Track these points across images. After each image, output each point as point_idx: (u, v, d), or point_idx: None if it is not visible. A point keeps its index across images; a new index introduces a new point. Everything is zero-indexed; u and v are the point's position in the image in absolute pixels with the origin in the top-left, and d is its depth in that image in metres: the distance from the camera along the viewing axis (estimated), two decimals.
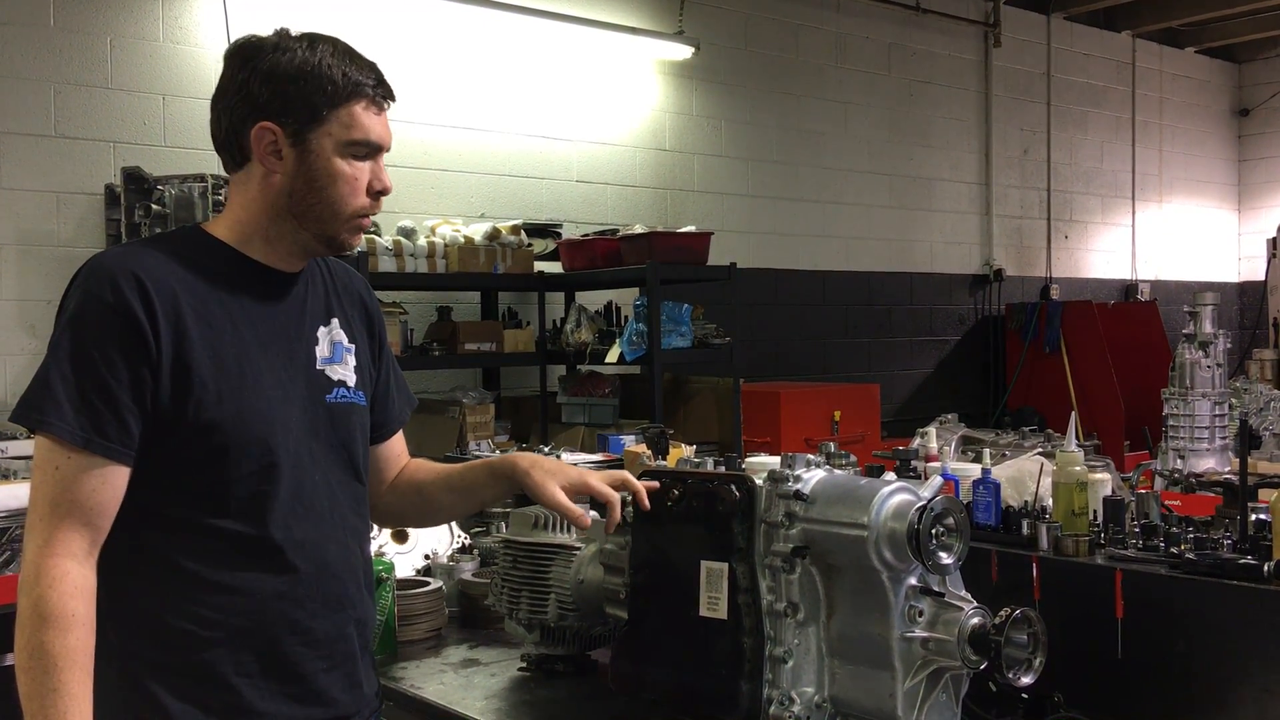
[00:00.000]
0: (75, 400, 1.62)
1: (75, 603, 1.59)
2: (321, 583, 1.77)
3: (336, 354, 1.87)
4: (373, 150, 1.80)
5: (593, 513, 2.46)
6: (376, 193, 1.82)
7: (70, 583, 1.59)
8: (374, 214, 1.85)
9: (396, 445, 2.11)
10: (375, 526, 3.12)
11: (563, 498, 1.96)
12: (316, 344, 1.85)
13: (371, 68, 1.81)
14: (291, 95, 1.73)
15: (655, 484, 2.02)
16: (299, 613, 1.75)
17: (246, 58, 1.76)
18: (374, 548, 3.07)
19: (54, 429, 1.61)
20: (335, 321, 1.89)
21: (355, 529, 1.88)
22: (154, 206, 4.74)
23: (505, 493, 2.13)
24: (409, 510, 2.17)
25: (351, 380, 1.88)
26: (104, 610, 1.64)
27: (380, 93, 1.80)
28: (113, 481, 1.64)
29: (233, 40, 1.81)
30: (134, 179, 4.83)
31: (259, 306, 1.79)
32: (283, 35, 1.78)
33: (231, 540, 1.70)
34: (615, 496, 1.99)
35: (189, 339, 1.68)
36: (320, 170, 1.76)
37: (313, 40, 1.78)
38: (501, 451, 3.86)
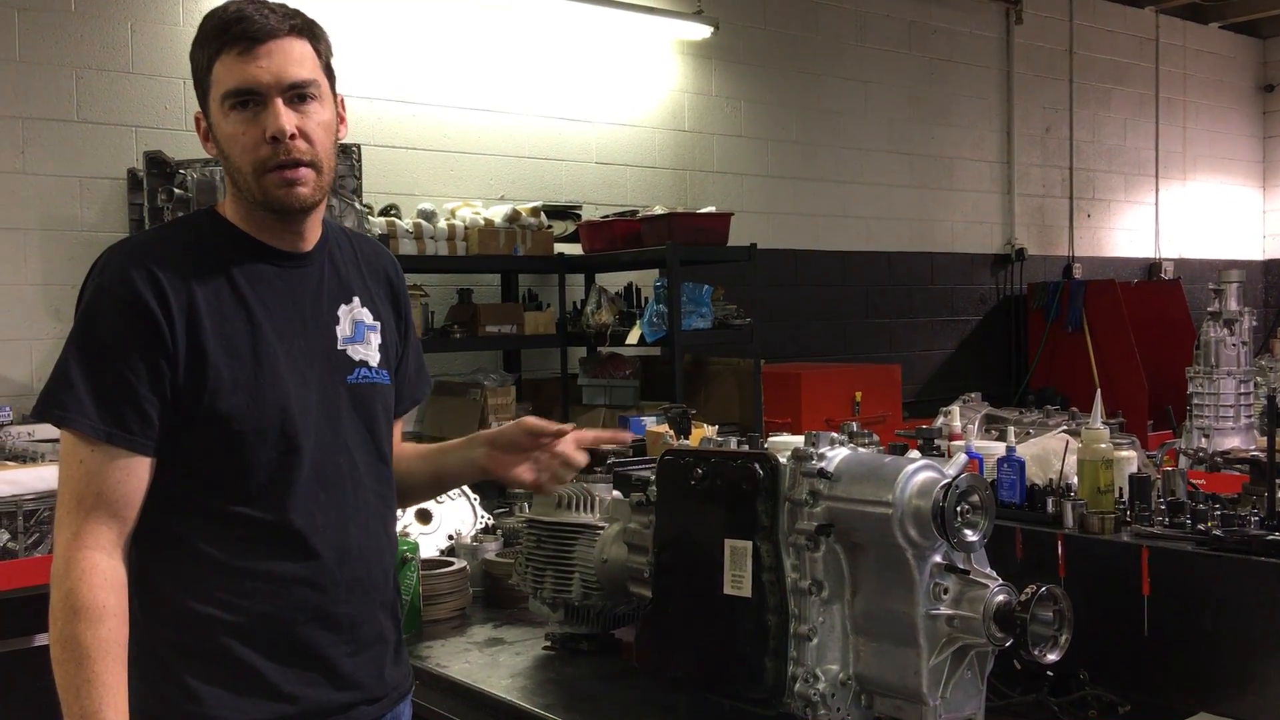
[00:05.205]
0: (96, 394, 1.62)
1: (106, 594, 1.59)
2: (345, 568, 1.76)
3: (359, 333, 1.84)
4: (250, 95, 1.67)
5: (616, 492, 2.46)
6: (272, 137, 1.67)
7: (100, 574, 1.59)
8: (290, 158, 1.69)
9: (399, 424, 2.07)
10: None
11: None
12: (337, 323, 1.82)
13: (237, 13, 1.67)
14: (194, 77, 1.74)
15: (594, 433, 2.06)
16: (321, 598, 1.74)
17: None
18: (398, 529, 3.09)
19: (76, 424, 1.62)
20: (357, 300, 1.86)
21: (379, 511, 1.86)
22: (176, 190, 4.76)
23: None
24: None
25: (375, 359, 1.85)
26: (131, 598, 1.64)
27: (237, 31, 1.66)
28: (137, 473, 1.65)
29: None
30: (156, 163, 4.84)
31: (274, 290, 1.76)
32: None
33: (253, 527, 1.70)
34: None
35: (203, 329, 1.67)
36: (222, 138, 1.72)
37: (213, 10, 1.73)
38: None
